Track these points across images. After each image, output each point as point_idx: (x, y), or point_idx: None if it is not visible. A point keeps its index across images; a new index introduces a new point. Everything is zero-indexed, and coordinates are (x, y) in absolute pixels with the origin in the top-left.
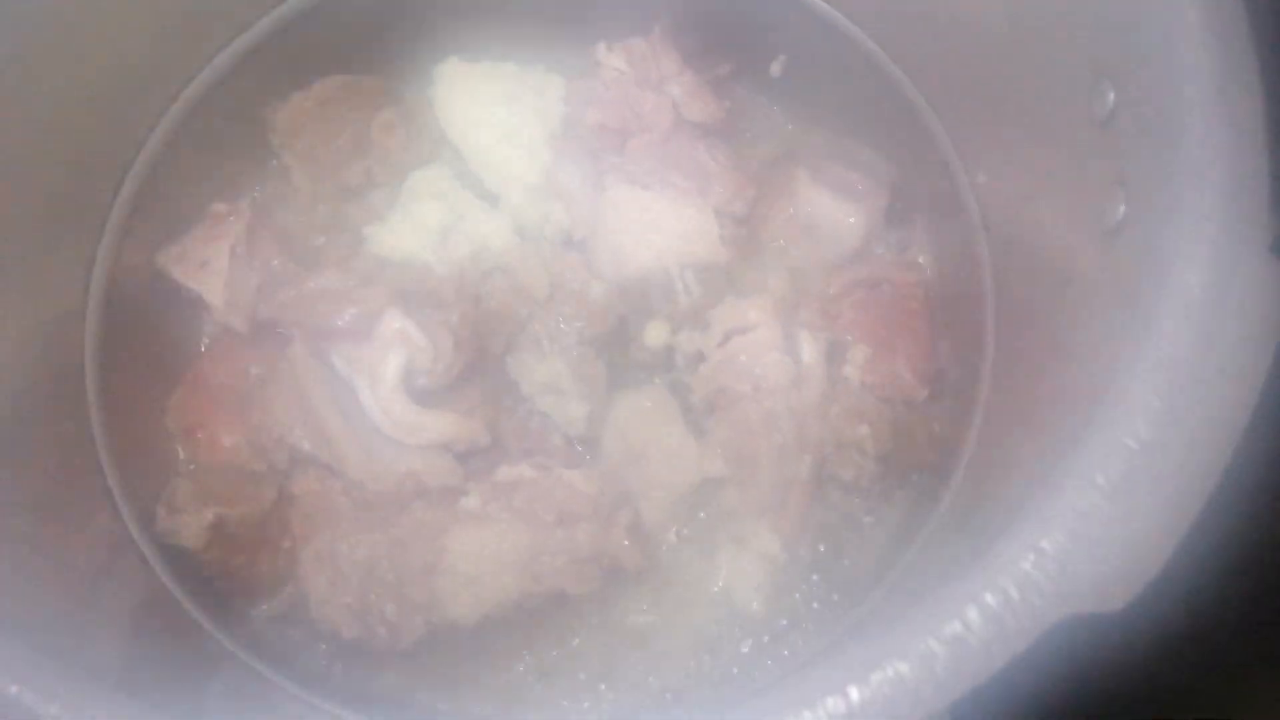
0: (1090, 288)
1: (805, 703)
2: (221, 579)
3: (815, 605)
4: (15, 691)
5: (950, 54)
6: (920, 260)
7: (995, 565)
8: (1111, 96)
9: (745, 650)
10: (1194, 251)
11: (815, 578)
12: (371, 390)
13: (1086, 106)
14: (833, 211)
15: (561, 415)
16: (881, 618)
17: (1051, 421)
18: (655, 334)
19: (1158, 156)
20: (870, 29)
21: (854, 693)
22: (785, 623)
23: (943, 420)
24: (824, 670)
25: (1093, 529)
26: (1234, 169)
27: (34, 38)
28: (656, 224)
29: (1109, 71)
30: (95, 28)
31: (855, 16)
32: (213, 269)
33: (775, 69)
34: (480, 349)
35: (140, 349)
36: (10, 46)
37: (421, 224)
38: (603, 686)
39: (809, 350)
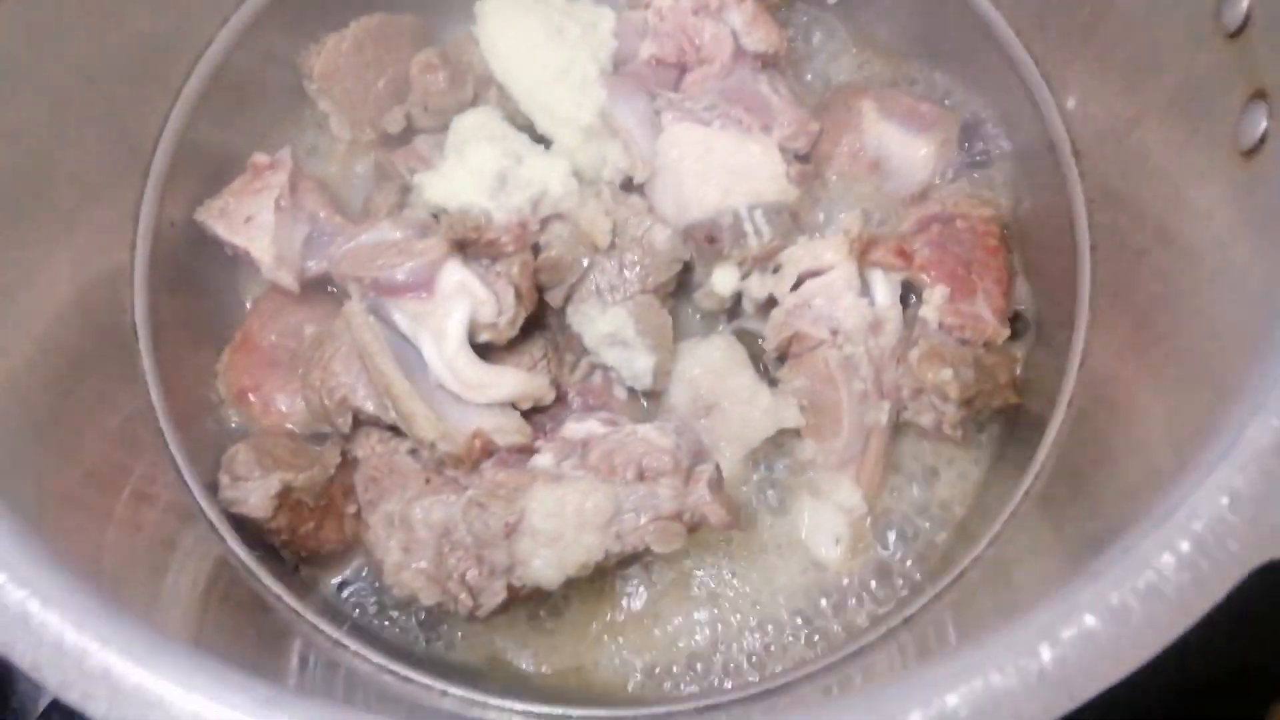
0: (1219, 214)
1: (994, 664)
2: (289, 546)
3: (905, 561)
4: (97, 653)
5: None
6: (998, 194)
7: (1183, 510)
8: (1245, 2)
9: (829, 605)
10: None
11: (898, 529)
12: (437, 347)
13: (1211, 17)
14: (901, 144)
15: (627, 368)
16: (997, 570)
17: (1184, 361)
18: (724, 279)
19: None
20: None
21: (1045, 652)
22: (870, 576)
23: (1031, 362)
24: (1006, 630)
25: None
26: None
27: None
28: (720, 162)
29: None
30: None
31: None
32: (257, 223)
33: None
34: (539, 301)
35: (190, 309)
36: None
37: (477, 170)
38: (680, 644)
39: (883, 291)
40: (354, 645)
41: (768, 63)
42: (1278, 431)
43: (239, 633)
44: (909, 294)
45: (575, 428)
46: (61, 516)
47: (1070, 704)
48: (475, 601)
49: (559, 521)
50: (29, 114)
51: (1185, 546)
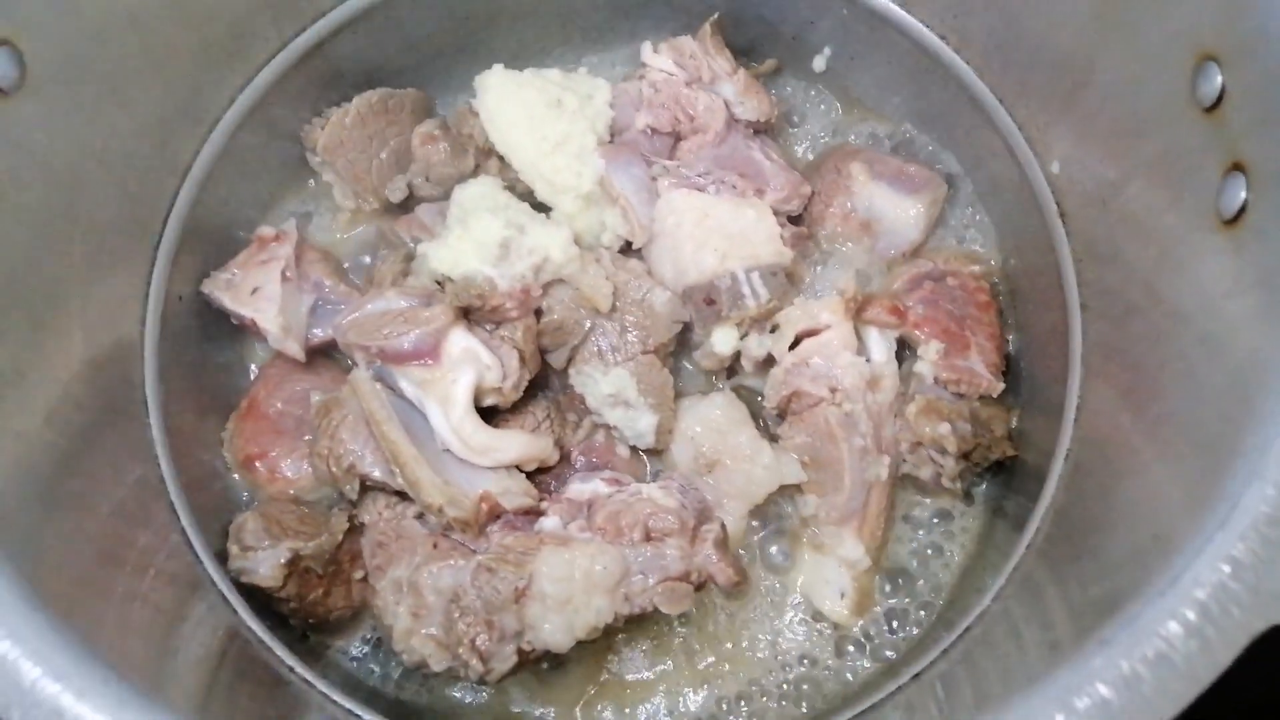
0: (1205, 277)
1: None
2: (298, 614)
3: (907, 614)
4: None
5: (1018, 38)
6: (988, 252)
7: (1186, 579)
8: (1219, 79)
9: (834, 660)
10: None
11: (901, 583)
12: (443, 413)
13: (1188, 90)
14: (892, 204)
15: (630, 428)
16: (1004, 624)
17: (1181, 420)
18: (723, 339)
19: None
20: (924, 12)
21: None
22: (874, 631)
23: (1026, 414)
24: (1021, 701)
25: None
26: None
27: (82, 70)
28: (717, 227)
29: (1214, 53)
30: (142, 57)
31: (909, 3)
32: (264, 294)
33: (819, 63)
34: (542, 363)
35: (198, 379)
36: (60, 82)
37: (480, 239)
38: (688, 692)
39: (879, 349)
40: (368, 715)
41: (759, 130)
42: (1273, 500)
43: (253, 703)
44: (904, 350)
45: (580, 488)
46: (70, 588)
47: None
48: (486, 666)
49: (568, 585)
50: (43, 195)
51: (1191, 615)
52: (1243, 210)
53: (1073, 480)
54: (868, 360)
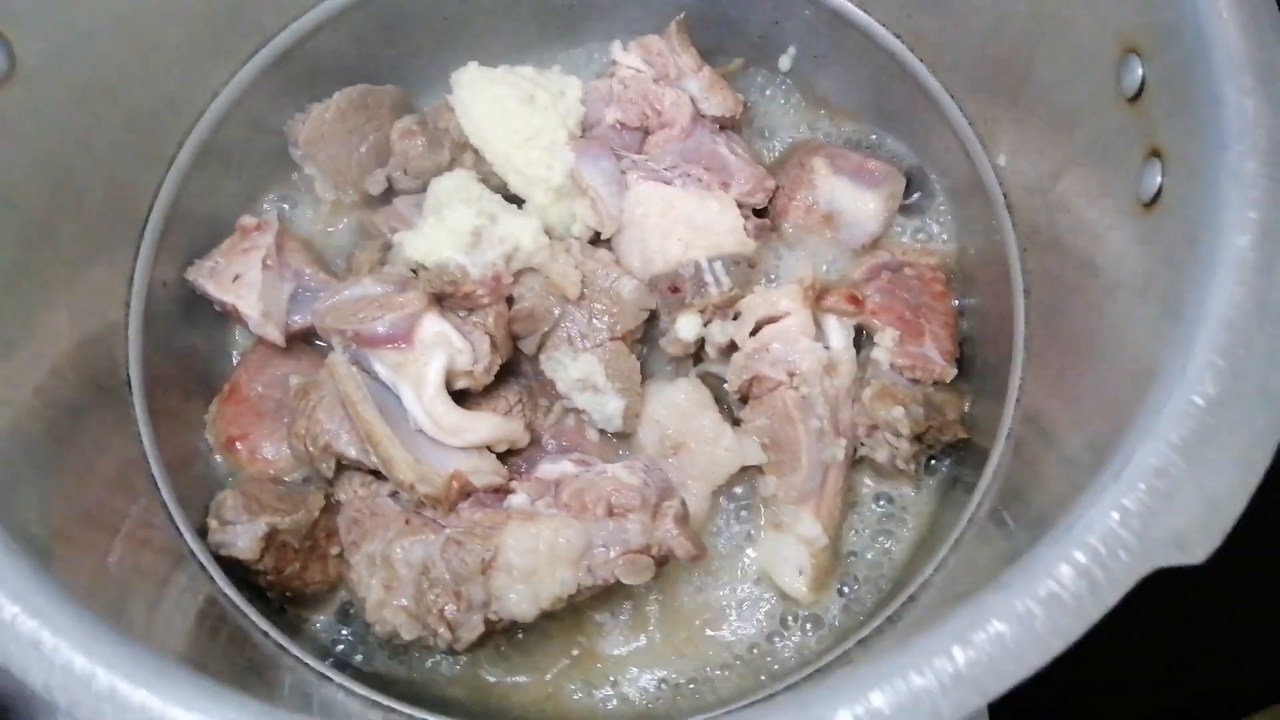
0: (1129, 258)
1: (913, 665)
2: (275, 587)
3: (860, 588)
4: (103, 676)
5: (965, 36)
6: (942, 243)
7: (1080, 526)
8: (1140, 71)
9: (796, 635)
10: (1241, 216)
11: (856, 558)
12: (416, 394)
13: (1113, 83)
14: (852, 198)
15: (598, 411)
16: (944, 591)
17: (1099, 392)
18: (688, 326)
19: (1194, 126)
20: (881, 13)
21: (959, 654)
22: (834, 606)
23: (976, 398)
24: (924, 636)
25: (1170, 485)
26: (1274, 132)
27: (71, 62)
28: (682, 218)
29: (1136, 46)
30: (129, 49)
31: (867, 4)
32: (246, 281)
33: (784, 62)
34: (514, 349)
35: (181, 363)
36: (50, 73)
37: (454, 228)
38: (657, 664)
39: (837, 336)
40: (339, 679)
41: (725, 125)
42: (1163, 455)
43: (230, 662)
44: (862, 337)
45: (549, 468)
46: (65, 553)
47: (980, 700)
48: (454, 635)
49: (533, 557)
50: (32, 184)
51: (1081, 557)
52: (1158, 194)
53: (1014, 457)
54: (826, 347)
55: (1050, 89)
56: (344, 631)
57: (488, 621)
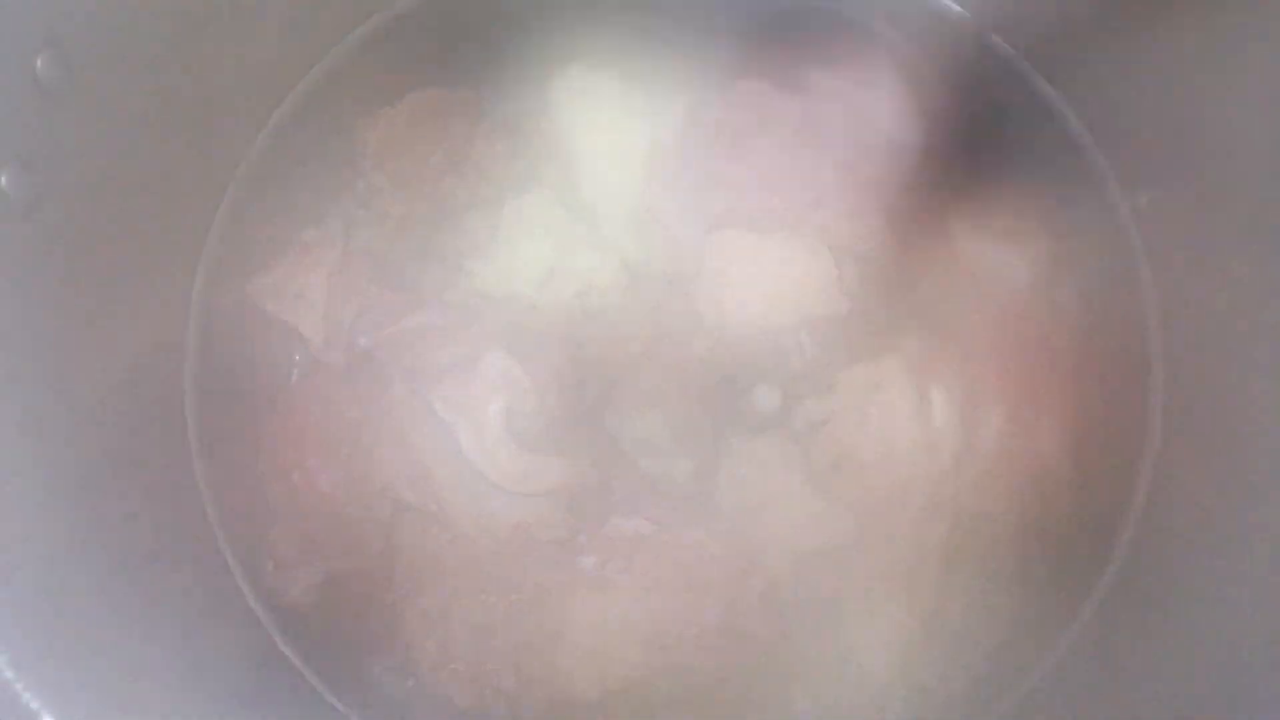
0: None
1: None
2: (329, 636)
3: (956, 683)
4: None
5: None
6: (1076, 316)
7: None
8: None
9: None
10: None
11: (953, 652)
12: (476, 435)
13: None
14: (994, 260)
15: (662, 473)
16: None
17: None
18: (766, 398)
19: None
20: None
21: None
22: (923, 699)
23: (1094, 491)
24: None
25: None
26: None
27: (129, 65)
28: (767, 270)
29: None
30: (191, 53)
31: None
32: (308, 300)
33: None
34: (581, 396)
35: (238, 385)
36: (108, 77)
37: (526, 259)
38: None
39: (943, 412)
40: None
41: (838, 158)
42: None
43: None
44: (972, 414)
45: (621, 525)
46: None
47: None
48: (513, 710)
49: (602, 634)
50: (89, 199)
51: None
52: None
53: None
54: (927, 423)
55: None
56: (403, 689)
57: (550, 699)
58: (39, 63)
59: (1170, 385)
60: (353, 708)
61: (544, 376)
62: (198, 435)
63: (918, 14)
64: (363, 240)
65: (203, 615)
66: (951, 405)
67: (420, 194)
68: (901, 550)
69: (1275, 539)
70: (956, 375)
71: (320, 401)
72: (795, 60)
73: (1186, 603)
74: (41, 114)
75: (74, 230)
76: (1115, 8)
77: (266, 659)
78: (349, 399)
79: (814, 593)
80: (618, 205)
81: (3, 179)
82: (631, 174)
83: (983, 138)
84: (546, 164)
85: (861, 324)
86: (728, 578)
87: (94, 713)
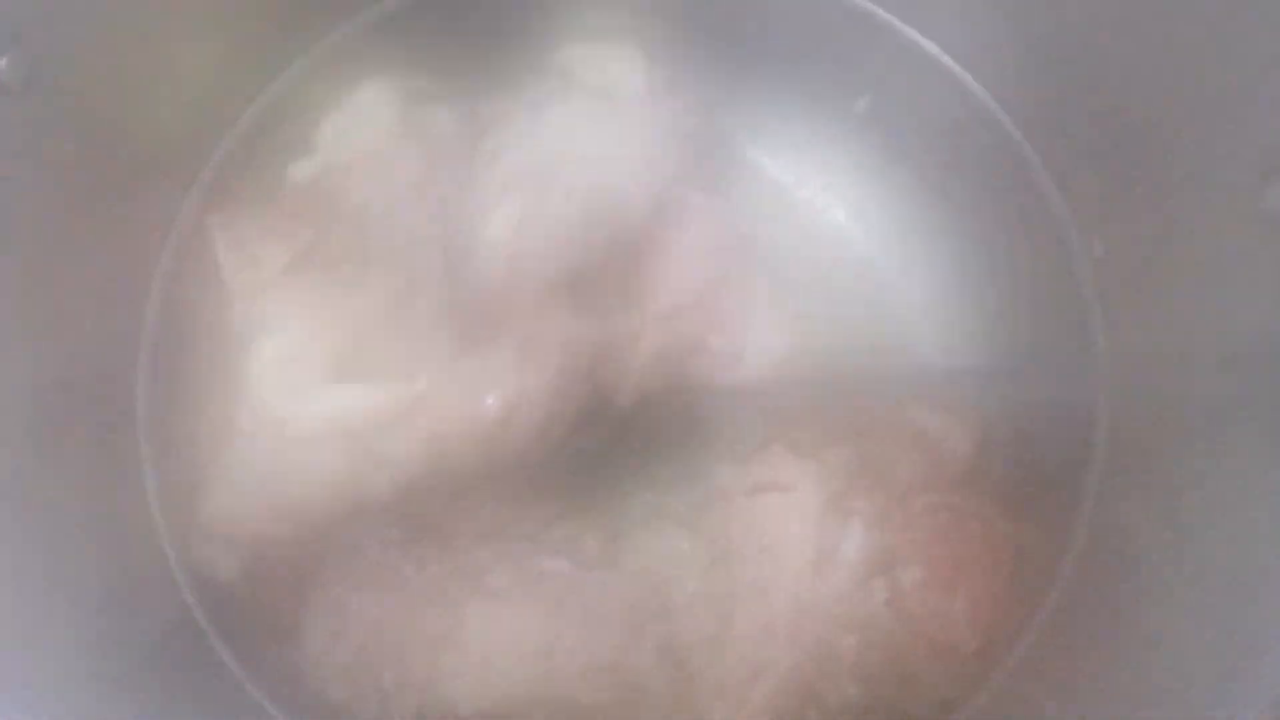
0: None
1: None
2: (248, 612)
3: None
4: None
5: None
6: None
7: None
8: None
9: None
10: None
11: None
12: None
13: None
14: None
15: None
16: None
17: None
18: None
19: None
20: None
21: None
22: None
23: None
24: None
25: None
26: None
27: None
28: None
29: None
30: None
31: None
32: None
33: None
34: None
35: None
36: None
37: None
38: None
39: (852, 543)
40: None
41: None
42: None
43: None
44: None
45: (543, 562)
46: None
47: None
48: (383, 709)
49: (491, 644)
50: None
51: None
52: None
53: None
54: (825, 547)
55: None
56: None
57: (421, 705)
58: (2, 62)
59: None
60: (260, 687)
61: None
62: (147, 390)
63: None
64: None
65: (125, 580)
66: (862, 540)
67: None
68: (734, 661)
69: None
70: (881, 514)
71: None
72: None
73: None
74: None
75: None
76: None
77: (181, 628)
78: None
79: (707, 662)
80: None
81: None
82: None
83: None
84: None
85: (789, 415)
86: (629, 619)
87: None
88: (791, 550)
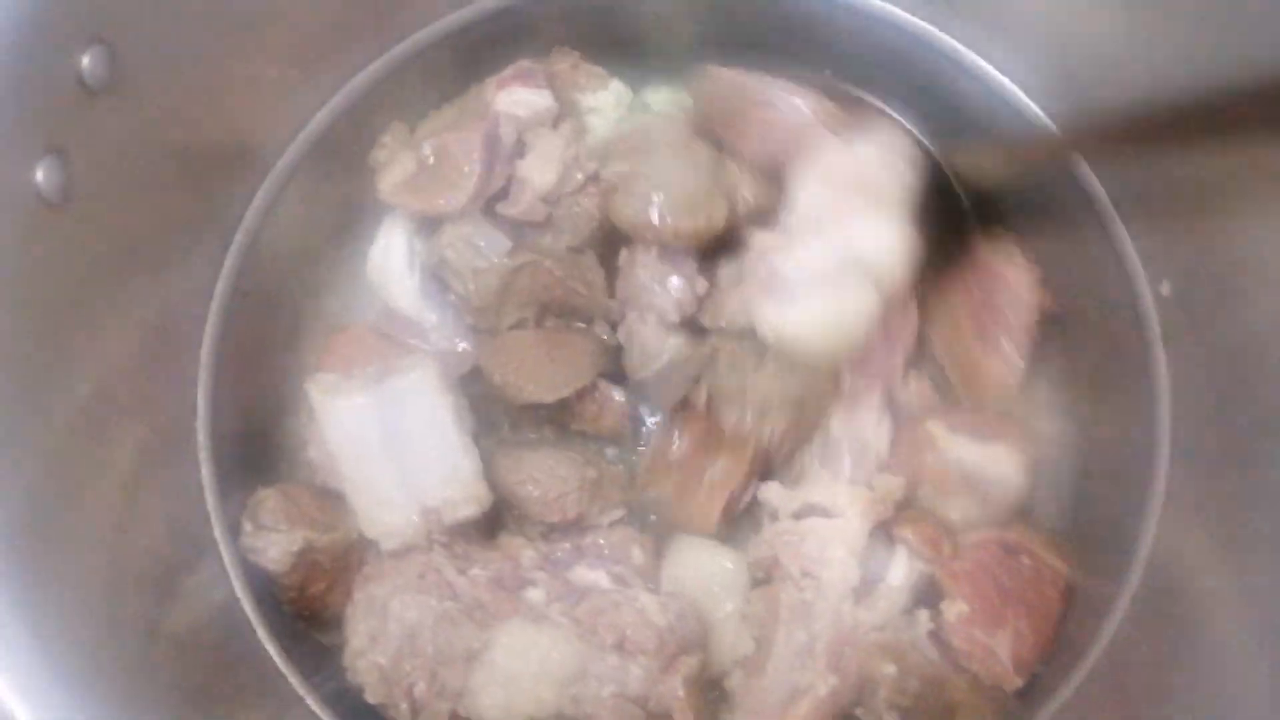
0: None
1: None
2: (295, 603)
3: None
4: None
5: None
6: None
7: None
8: None
9: None
10: None
11: None
12: None
13: None
14: (982, 455)
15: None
16: None
17: None
18: None
19: None
20: None
21: None
22: None
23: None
24: None
25: None
26: None
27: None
28: None
29: None
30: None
31: None
32: None
33: None
34: None
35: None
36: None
37: None
38: None
39: (898, 570)
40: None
41: None
42: None
43: (226, 676)
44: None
45: (584, 574)
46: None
47: None
48: (414, 716)
49: (521, 664)
50: (118, 194)
51: None
52: None
53: None
54: (871, 575)
55: None
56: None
57: (454, 715)
58: (85, 60)
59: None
60: (300, 681)
61: None
62: (207, 399)
63: None
64: None
65: (177, 554)
66: (909, 569)
67: None
68: (773, 682)
69: None
70: (929, 544)
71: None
72: None
73: None
74: (83, 110)
75: (104, 223)
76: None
77: (227, 612)
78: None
79: (743, 683)
80: None
81: (38, 172)
82: None
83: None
84: None
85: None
86: (662, 651)
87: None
88: (835, 575)
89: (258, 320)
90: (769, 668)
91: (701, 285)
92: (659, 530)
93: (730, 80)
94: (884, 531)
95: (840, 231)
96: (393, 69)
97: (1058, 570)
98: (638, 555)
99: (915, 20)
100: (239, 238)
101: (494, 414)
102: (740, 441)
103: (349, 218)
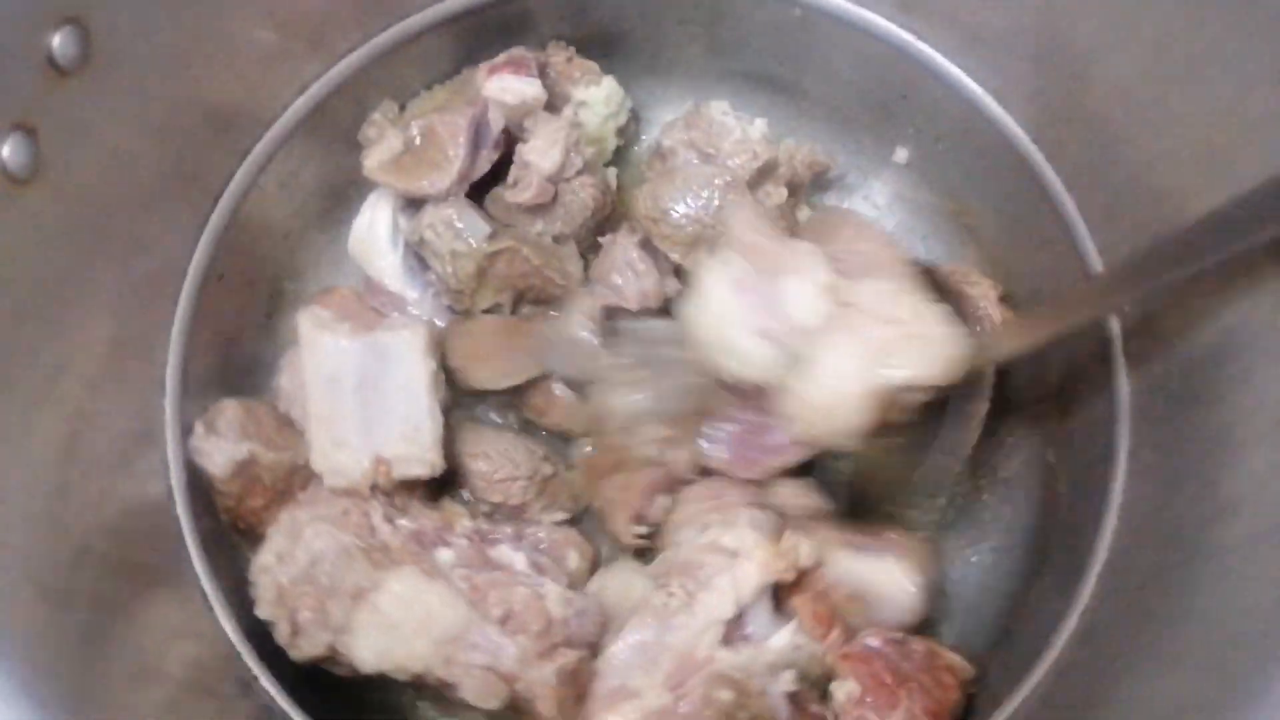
0: None
1: None
2: (230, 512)
3: None
4: None
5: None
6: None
7: None
8: None
9: None
10: None
11: None
12: None
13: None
14: (873, 571)
15: None
16: None
17: None
18: None
19: None
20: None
21: None
22: None
23: None
24: None
25: None
26: None
27: (152, 51)
28: None
29: None
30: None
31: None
32: None
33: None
34: None
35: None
36: (129, 60)
37: None
38: None
39: (785, 636)
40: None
41: None
42: None
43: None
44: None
45: (505, 553)
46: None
47: None
48: (294, 641)
49: (404, 613)
50: (98, 173)
51: None
52: None
53: None
54: (756, 633)
55: None
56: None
57: (330, 648)
58: (55, 40)
59: None
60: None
61: None
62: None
63: None
64: None
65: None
66: (791, 636)
67: None
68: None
69: None
70: (809, 618)
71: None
72: None
73: None
74: (54, 89)
75: (73, 201)
76: None
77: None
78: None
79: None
80: None
81: (4, 148)
82: None
83: None
84: None
85: None
86: (545, 637)
87: None
88: (711, 601)
89: (233, 299)
90: (607, 652)
91: (672, 286)
92: (607, 547)
93: None
94: (778, 595)
95: None
96: (386, 49)
97: (955, 668)
98: (574, 559)
99: (893, 28)
100: (215, 218)
101: (470, 394)
102: (628, 454)
103: (331, 201)
